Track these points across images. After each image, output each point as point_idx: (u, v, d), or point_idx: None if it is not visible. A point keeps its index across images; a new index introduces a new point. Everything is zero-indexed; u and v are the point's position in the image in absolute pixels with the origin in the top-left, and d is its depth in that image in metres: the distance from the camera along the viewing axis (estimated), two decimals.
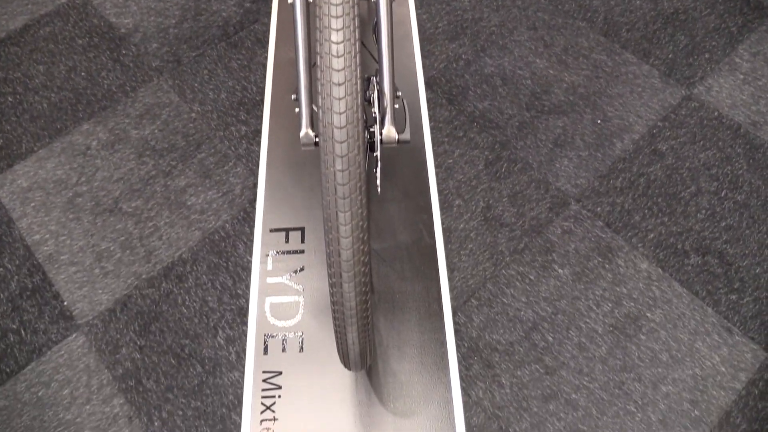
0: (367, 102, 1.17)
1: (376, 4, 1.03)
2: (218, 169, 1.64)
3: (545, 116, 1.74)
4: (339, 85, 0.86)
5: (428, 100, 1.76)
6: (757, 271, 1.51)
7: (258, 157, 1.65)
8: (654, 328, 1.42)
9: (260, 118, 1.73)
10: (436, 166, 1.63)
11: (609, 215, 1.58)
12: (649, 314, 1.44)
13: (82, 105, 1.79)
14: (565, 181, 1.63)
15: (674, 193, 1.62)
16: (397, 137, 1.07)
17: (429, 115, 1.72)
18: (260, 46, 1.88)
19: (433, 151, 1.66)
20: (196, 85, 1.80)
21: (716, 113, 1.77)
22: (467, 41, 1.89)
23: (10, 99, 1.82)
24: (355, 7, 0.90)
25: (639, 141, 1.71)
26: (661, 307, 1.45)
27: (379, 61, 1.06)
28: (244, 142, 1.69)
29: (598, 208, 1.59)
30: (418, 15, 1.94)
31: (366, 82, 1.17)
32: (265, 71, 1.82)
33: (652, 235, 1.55)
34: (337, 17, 0.84)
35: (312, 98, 1.06)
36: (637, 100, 1.78)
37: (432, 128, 1.70)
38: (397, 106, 1.08)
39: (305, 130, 1.06)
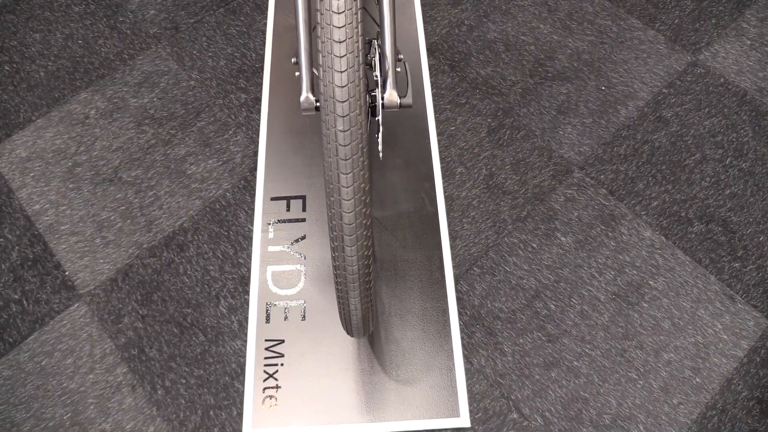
0: (369, 66, 1.15)
1: None
2: (218, 137, 1.63)
3: (549, 83, 1.71)
4: (340, 42, 0.84)
5: (430, 67, 1.73)
6: (761, 239, 1.51)
7: (258, 125, 1.64)
8: (656, 296, 1.42)
9: (260, 85, 1.70)
10: (438, 134, 1.62)
11: (612, 183, 1.57)
12: (651, 282, 1.43)
13: (80, 73, 1.77)
14: (568, 149, 1.61)
15: (678, 160, 1.61)
16: (399, 101, 1.05)
17: (431, 81, 1.70)
18: (259, 12, 1.84)
19: (435, 118, 1.64)
20: (194, 52, 1.78)
21: (722, 80, 1.74)
22: (470, 6, 1.85)
23: (6, 68, 1.80)
24: None
25: (643, 108, 1.68)
26: (663, 275, 1.44)
27: (381, 24, 1.04)
28: (243, 110, 1.67)
29: (602, 176, 1.58)
30: None
31: (367, 45, 1.14)
32: (265, 38, 1.79)
33: (655, 203, 1.54)
34: None
35: (312, 62, 1.04)
36: (642, 67, 1.75)
37: (434, 95, 1.68)
38: (399, 69, 1.06)
39: (305, 94, 1.04)
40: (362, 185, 0.87)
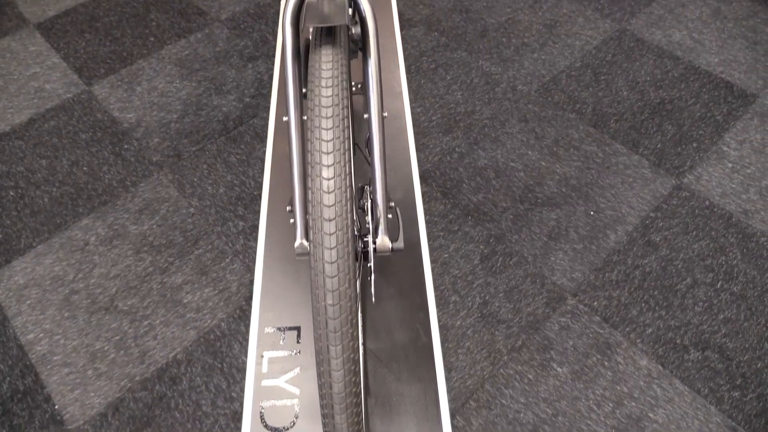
0: (362, 210, 1.19)
1: (369, 120, 1.06)
2: (215, 265, 1.65)
3: (539, 209, 1.76)
4: (329, 192, 0.89)
5: (423, 194, 1.78)
6: (759, 365, 1.50)
7: (255, 253, 1.66)
8: (657, 429, 1.39)
9: (258, 213, 1.75)
10: (432, 261, 1.64)
11: (606, 310, 1.57)
12: (651, 414, 1.41)
13: (83, 200, 1.82)
14: (560, 275, 1.63)
15: (670, 285, 1.62)
16: (390, 246, 1.08)
17: (424, 209, 1.74)
18: (258, 141, 1.92)
19: (429, 246, 1.67)
20: (195, 179, 1.83)
21: (707, 202, 1.79)
22: (461, 134, 1.93)
23: (11, 193, 1.85)
24: (347, 125, 0.94)
25: (632, 232, 1.72)
26: (663, 406, 1.42)
27: (372, 175, 1.08)
28: (241, 237, 1.70)
29: (595, 303, 1.59)
30: (412, 109, 2.00)
31: (360, 191, 1.19)
32: (263, 166, 1.85)
33: (650, 330, 1.54)
34: (327, 129, 0.87)
35: (306, 210, 1.07)
36: (629, 191, 1.81)
37: (427, 222, 1.72)
38: (390, 216, 1.10)
39: (300, 241, 1.07)
40: (352, 355, 0.88)
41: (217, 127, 1.97)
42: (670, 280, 1.63)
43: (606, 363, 1.49)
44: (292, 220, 1.09)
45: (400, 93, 2.01)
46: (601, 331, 1.54)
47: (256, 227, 1.72)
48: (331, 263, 0.91)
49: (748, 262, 1.67)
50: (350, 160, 0.94)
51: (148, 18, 2.36)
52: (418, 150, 1.89)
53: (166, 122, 1.99)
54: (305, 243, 1.07)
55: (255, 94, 2.06)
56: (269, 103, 2.02)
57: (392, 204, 1.10)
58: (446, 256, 1.66)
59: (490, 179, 1.82)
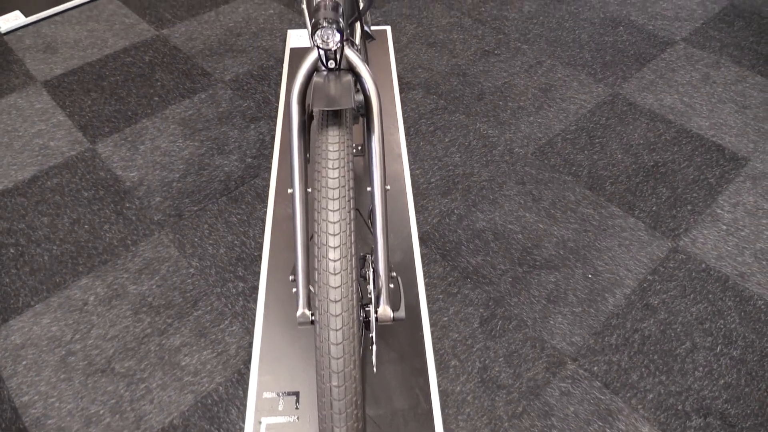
0: (363, 278, 1.20)
1: (371, 193, 1.08)
2: (214, 327, 1.64)
3: (537, 271, 1.77)
4: (335, 261, 0.90)
5: (422, 256, 1.80)
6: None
7: (254, 315, 1.66)
8: None
9: (257, 274, 1.75)
10: (432, 325, 1.64)
11: (606, 375, 1.57)
12: None
13: (83, 258, 1.82)
14: (560, 339, 1.63)
15: (670, 349, 1.62)
16: (392, 316, 1.09)
17: (423, 271, 1.76)
18: (260, 201, 1.94)
19: (428, 309, 1.68)
20: (196, 239, 1.85)
21: (703, 265, 1.81)
22: (459, 196, 1.96)
23: (11, 251, 1.86)
24: (351, 196, 0.96)
25: (630, 296, 1.73)
26: None
27: (374, 245, 1.10)
28: (240, 299, 1.70)
29: (595, 368, 1.58)
30: (411, 170, 2.04)
31: (361, 260, 1.20)
32: (264, 227, 1.87)
33: (651, 396, 1.54)
34: (333, 199, 0.89)
35: (309, 280, 1.09)
36: (626, 254, 1.83)
37: (426, 285, 1.73)
38: (392, 285, 1.11)
39: (302, 310, 1.08)
40: (354, 385, 0.89)
41: (219, 187, 2.00)
42: (669, 344, 1.63)
43: (608, 430, 1.47)
44: (294, 290, 1.09)
45: (400, 155, 2.05)
46: (602, 397, 1.53)
47: (255, 289, 1.72)
48: (336, 330, 0.92)
49: (746, 325, 1.68)
50: (354, 234, 0.96)
51: (154, 78, 2.42)
52: (417, 212, 1.91)
53: (168, 181, 2.02)
54: (307, 312, 1.07)
55: (257, 155, 2.09)
56: (270, 163, 2.05)
57: (394, 274, 1.11)
58: (446, 319, 1.66)
59: (488, 241, 1.84)
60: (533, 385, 1.54)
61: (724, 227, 1.92)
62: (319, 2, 0.97)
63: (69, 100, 2.35)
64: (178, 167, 2.06)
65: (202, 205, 1.94)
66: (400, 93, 2.33)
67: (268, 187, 1.98)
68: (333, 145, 0.91)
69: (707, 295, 1.74)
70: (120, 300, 1.72)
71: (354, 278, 0.96)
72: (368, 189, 1.08)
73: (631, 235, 1.88)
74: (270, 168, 2.04)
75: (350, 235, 0.95)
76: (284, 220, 1.86)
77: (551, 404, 1.51)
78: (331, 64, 1.01)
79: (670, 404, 1.52)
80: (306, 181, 1.06)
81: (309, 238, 1.10)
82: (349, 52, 1.01)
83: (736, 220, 1.93)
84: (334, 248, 0.92)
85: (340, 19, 0.95)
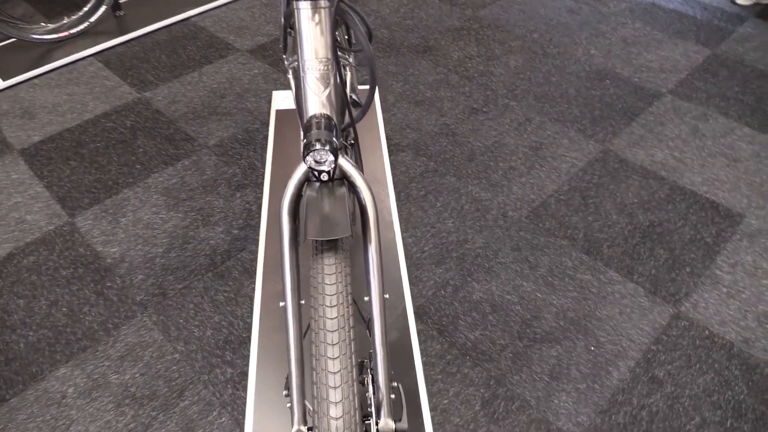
0: (361, 384, 1.13)
1: (369, 302, 1.02)
2: (202, 420, 1.55)
3: (538, 345, 1.71)
4: (334, 373, 0.83)
5: (418, 333, 1.73)
6: None
7: (244, 404, 1.57)
8: None
9: (247, 358, 1.67)
10: (431, 409, 1.56)
11: None
12: None
13: (61, 345, 1.73)
14: (566, 420, 1.56)
15: (679, 426, 1.56)
16: (394, 428, 1.02)
17: (420, 349, 1.68)
18: (247, 277, 1.87)
19: (427, 390, 1.60)
20: (180, 321, 1.76)
21: (707, 332, 1.76)
22: (453, 265, 1.91)
23: None
24: (352, 338, 0.90)
25: (635, 368, 1.67)
26: None
27: (374, 355, 1.03)
28: (229, 386, 1.61)
29: None
30: (403, 239, 1.98)
31: (359, 366, 1.13)
32: (252, 305, 1.79)
33: None
34: (333, 344, 0.83)
35: (304, 394, 1.01)
36: (628, 322, 1.77)
37: (424, 364, 1.66)
38: (393, 395, 1.04)
39: (297, 427, 1.00)
40: None
41: (204, 261, 1.92)
42: (678, 421, 1.57)
43: None
44: (288, 405, 1.02)
45: (391, 222, 2.00)
46: None
47: (245, 375, 1.64)
48: None
49: (755, 396, 1.62)
50: (355, 386, 0.91)
51: (135, 144, 2.36)
52: (411, 284, 1.85)
53: (151, 257, 1.94)
54: (303, 429, 1.00)
55: (243, 226, 2.03)
56: (258, 235, 1.99)
57: (395, 384, 1.04)
58: (446, 402, 1.58)
59: (486, 314, 1.78)
60: None
61: (725, 290, 1.87)
62: (311, 120, 0.92)
63: (47, 170, 2.27)
64: (161, 241, 1.99)
65: (186, 282, 1.87)
66: (389, 155, 2.29)
67: (256, 261, 1.91)
68: (330, 276, 0.85)
69: (713, 364, 1.69)
70: (101, 391, 1.62)
71: (356, 392, 0.89)
72: (366, 298, 1.02)
73: (632, 301, 1.83)
74: (257, 240, 1.98)
75: (350, 344, 0.88)
76: (273, 298, 1.79)
77: None
78: (324, 176, 0.96)
79: None
80: (299, 294, 1.00)
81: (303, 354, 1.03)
82: (342, 161, 0.96)
83: (736, 282, 1.90)
84: (335, 404, 0.86)
85: (334, 139, 0.91)
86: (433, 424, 1.54)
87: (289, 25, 1.59)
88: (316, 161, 0.90)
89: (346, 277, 0.85)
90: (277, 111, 2.43)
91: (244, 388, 1.61)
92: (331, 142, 0.89)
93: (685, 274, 1.91)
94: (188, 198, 2.13)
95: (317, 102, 0.94)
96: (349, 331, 0.82)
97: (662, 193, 2.16)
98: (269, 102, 2.52)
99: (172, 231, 2.02)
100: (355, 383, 0.81)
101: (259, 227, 2.01)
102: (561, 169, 2.24)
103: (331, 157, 0.90)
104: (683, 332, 1.76)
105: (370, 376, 1.08)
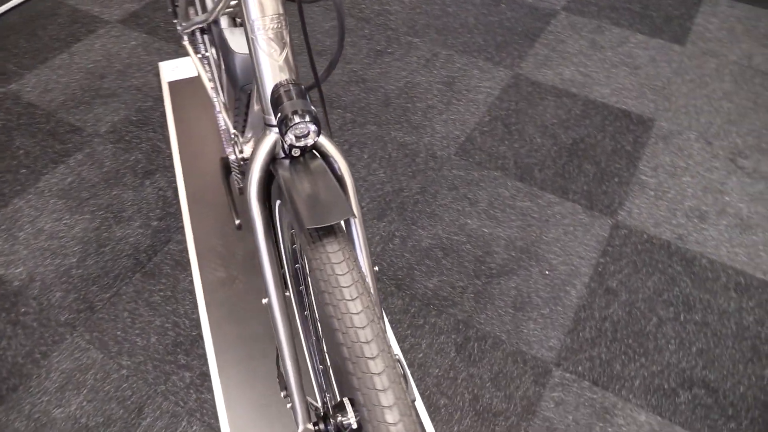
0: None
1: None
2: None
3: (496, 280, 1.71)
4: (379, 374, 0.71)
5: (378, 292, 1.67)
6: (741, 390, 1.52)
7: (214, 406, 1.46)
8: None
9: (203, 357, 1.54)
10: (409, 366, 1.53)
11: (591, 372, 1.54)
12: None
13: None
14: (538, 347, 1.58)
15: (640, 329, 1.63)
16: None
17: (384, 309, 1.63)
18: (181, 270, 1.72)
19: (401, 348, 1.56)
20: (118, 333, 1.59)
21: (645, 236, 1.83)
22: (395, 216, 1.85)
23: None
24: (369, 291, 0.80)
25: (590, 283, 1.71)
26: None
27: None
28: (192, 391, 1.49)
29: (579, 367, 1.55)
30: None
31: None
32: (195, 298, 1.65)
33: (637, 382, 1.53)
34: (367, 342, 0.71)
35: (305, 392, 0.93)
36: (573, 241, 1.81)
37: (391, 322, 1.61)
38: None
39: (303, 426, 0.92)
40: None
41: (128, 263, 1.74)
42: (638, 325, 1.64)
43: (610, 429, 1.44)
44: (289, 405, 0.93)
45: None
46: (595, 396, 1.50)
47: (206, 375, 1.51)
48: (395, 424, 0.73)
49: (699, 287, 1.72)
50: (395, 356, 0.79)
51: (13, 146, 2.07)
52: None
53: (65, 270, 1.73)
54: (311, 427, 0.92)
55: (162, 215, 1.85)
56: (181, 222, 1.82)
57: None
58: (421, 356, 1.55)
59: (439, 259, 1.75)
60: (527, 404, 1.48)
61: (652, 193, 1.95)
62: (277, 90, 0.80)
63: None
64: (72, 250, 1.77)
65: (114, 289, 1.68)
66: None
67: (186, 251, 1.75)
68: (339, 266, 0.74)
69: (657, 265, 1.77)
70: (47, 431, 1.44)
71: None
72: None
73: (573, 220, 1.86)
74: (182, 227, 1.81)
75: (400, 384, 0.74)
76: (217, 285, 1.66)
77: (550, 418, 1.45)
78: (297, 152, 0.85)
79: (657, 385, 1.52)
80: (282, 287, 0.89)
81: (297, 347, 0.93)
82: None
83: (661, 184, 1.98)
84: (389, 408, 0.71)
85: (312, 107, 0.79)
86: (415, 381, 1.50)
87: None
88: (297, 136, 0.79)
89: (356, 262, 0.76)
90: (170, 83, 2.21)
91: (209, 389, 1.49)
92: (309, 111, 0.78)
93: (615, 185, 1.97)
94: (91, 196, 1.90)
95: (276, 67, 0.82)
96: (379, 323, 0.73)
97: (577, 110, 2.20)
98: (157, 75, 2.28)
99: (82, 236, 1.80)
100: (401, 379, 0.72)
101: (180, 213, 1.84)
102: (478, 101, 2.21)
103: (314, 128, 0.79)
104: (625, 240, 1.82)
105: None
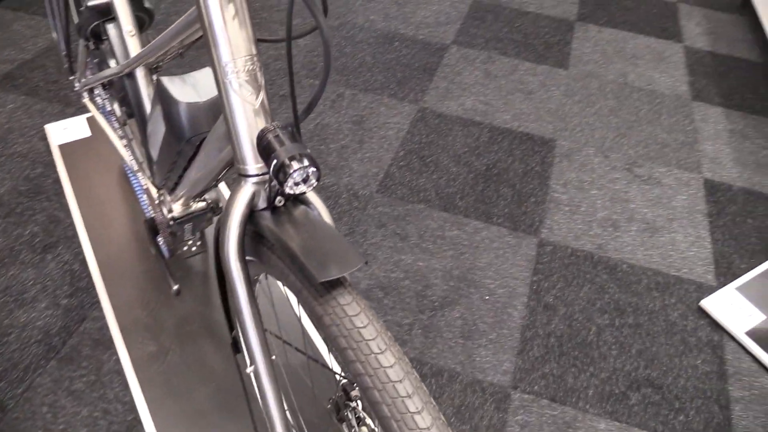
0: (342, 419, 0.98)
1: None
2: None
3: (440, 312, 1.70)
4: (429, 429, 0.65)
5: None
6: (682, 382, 1.61)
7: None
8: None
9: None
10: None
11: (547, 389, 1.56)
12: None
13: None
14: (493, 373, 1.58)
15: (582, 340, 1.68)
16: None
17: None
18: (103, 349, 1.55)
19: None
20: None
21: (569, 249, 1.91)
22: None
23: None
24: (394, 342, 0.73)
25: (529, 302, 1.75)
26: None
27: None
28: None
29: (535, 386, 1.56)
30: None
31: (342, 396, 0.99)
32: (124, 378, 1.49)
33: (591, 392, 1.57)
34: (409, 396, 0.65)
35: None
36: (506, 263, 1.84)
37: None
38: None
39: None
40: None
41: (39, 350, 1.54)
42: (580, 336, 1.69)
43: None
44: None
45: None
46: (555, 413, 1.51)
47: None
48: None
49: (626, 291, 1.81)
50: None
51: None
52: None
53: None
54: None
55: (72, 292, 1.67)
56: (96, 297, 1.65)
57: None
58: None
59: (380, 299, 1.71)
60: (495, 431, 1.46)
61: (567, 208, 2.05)
62: (264, 136, 0.73)
63: None
64: None
65: (26, 383, 1.48)
66: None
67: (107, 327, 1.59)
68: (358, 318, 0.68)
69: (585, 275, 1.84)
70: None
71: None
72: None
73: (501, 243, 1.90)
74: (97, 302, 1.64)
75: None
76: (148, 361, 1.51)
77: None
78: (281, 201, 0.78)
79: (609, 391, 1.57)
80: (268, 349, 0.82)
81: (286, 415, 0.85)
82: None
83: (572, 199, 2.08)
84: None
85: (308, 150, 0.73)
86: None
87: (85, 36, 1.30)
88: (297, 183, 0.72)
89: (372, 311, 0.70)
90: (60, 147, 2.03)
91: None
92: (308, 155, 0.72)
93: (532, 204, 2.04)
94: None
95: (253, 112, 0.76)
96: (414, 373, 0.68)
97: (484, 137, 2.28)
98: (44, 139, 2.09)
99: None
100: (448, 429, 0.67)
101: (93, 287, 1.67)
102: (390, 137, 2.23)
103: (314, 169, 0.73)
104: (552, 256, 1.88)
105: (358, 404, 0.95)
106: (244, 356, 1.23)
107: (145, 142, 1.34)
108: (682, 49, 2.85)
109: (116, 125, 1.50)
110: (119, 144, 1.50)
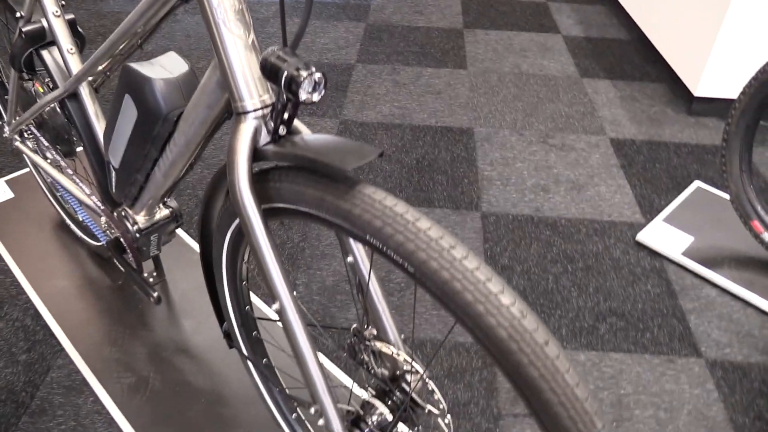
0: (363, 365, 1.00)
1: (355, 262, 0.92)
2: None
3: (410, 291, 1.74)
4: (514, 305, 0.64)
5: None
6: (640, 306, 1.74)
7: None
8: (633, 398, 1.49)
9: None
10: None
11: None
12: (622, 391, 1.50)
13: None
14: None
15: (544, 289, 1.78)
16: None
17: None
18: (77, 393, 1.47)
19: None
20: None
21: (510, 216, 2.04)
22: (290, 267, 1.81)
23: None
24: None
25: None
26: (623, 378, 1.53)
27: (377, 319, 0.94)
28: None
29: None
30: None
31: (355, 340, 1.00)
32: (108, 415, 1.42)
33: (564, 331, 1.66)
34: (453, 247, 0.66)
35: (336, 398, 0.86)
36: (459, 236, 1.93)
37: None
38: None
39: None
40: None
41: (7, 409, 1.44)
42: (540, 286, 1.79)
43: None
44: (321, 422, 0.85)
45: None
46: None
47: None
48: None
49: (569, 241, 1.95)
50: None
51: None
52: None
53: None
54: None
55: (29, 347, 1.57)
56: (57, 345, 1.57)
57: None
58: None
59: (348, 291, 1.74)
60: (490, 380, 1.51)
61: (499, 182, 2.18)
62: (267, 60, 0.75)
63: None
64: None
65: None
66: None
67: (77, 371, 1.51)
68: (386, 200, 0.70)
69: (531, 235, 1.96)
70: None
71: None
72: (349, 260, 0.91)
73: (448, 222, 2.00)
74: (60, 351, 1.56)
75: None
76: (128, 392, 1.44)
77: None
78: (283, 130, 0.81)
79: (579, 327, 1.67)
80: (290, 286, 0.83)
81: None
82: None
83: (501, 174, 2.23)
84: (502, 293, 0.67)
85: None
86: None
87: (20, 66, 1.29)
88: (310, 91, 0.75)
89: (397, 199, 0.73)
90: None
91: None
92: (309, 62, 0.75)
93: (466, 185, 2.16)
94: None
95: (248, 48, 0.79)
96: (455, 236, 0.70)
97: (408, 136, 2.40)
98: None
99: None
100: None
101: (51, 337, 1.59)
102: None
103: (320, 75, 0.75)
104: (496, 225, 2.00)
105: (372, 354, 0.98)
106: (239, 347, 1.23)
107: (96, 163, 1.33)
108: (561, 38, 3.15)
109: (58, 158, 1.47)
110: (63, 178, 1.47)
